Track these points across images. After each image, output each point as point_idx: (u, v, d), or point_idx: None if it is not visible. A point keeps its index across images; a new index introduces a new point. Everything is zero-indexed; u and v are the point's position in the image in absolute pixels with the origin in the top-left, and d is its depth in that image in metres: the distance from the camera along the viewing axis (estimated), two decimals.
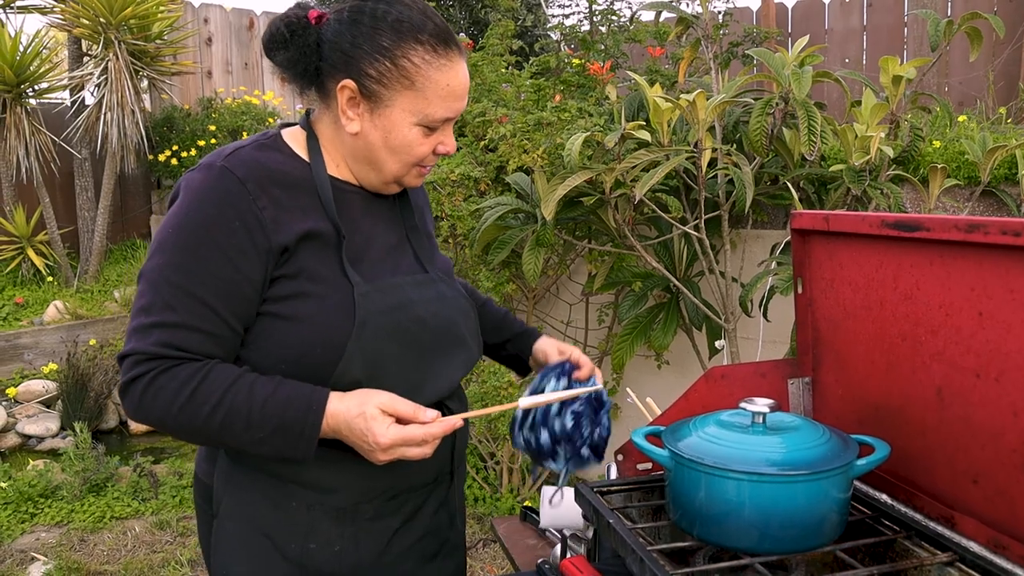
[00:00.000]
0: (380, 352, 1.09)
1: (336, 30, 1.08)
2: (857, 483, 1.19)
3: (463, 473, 1.33)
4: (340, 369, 1.06)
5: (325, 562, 1.13)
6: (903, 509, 1.12)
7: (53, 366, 4.43)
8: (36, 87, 5.16)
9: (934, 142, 2.53)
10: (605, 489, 1.22)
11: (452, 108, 1.10)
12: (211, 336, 1.04)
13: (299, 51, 1.08)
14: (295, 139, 1.15)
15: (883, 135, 2.14)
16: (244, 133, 5.82)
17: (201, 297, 1.03)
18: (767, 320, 2.30)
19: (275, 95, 6.43)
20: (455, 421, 1.06)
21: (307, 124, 1.15)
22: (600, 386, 1.26)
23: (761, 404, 1.06)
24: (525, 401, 1.14)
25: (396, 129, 1.08)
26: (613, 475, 1.34)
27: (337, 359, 1.06)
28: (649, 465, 1.30)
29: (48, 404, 4.41)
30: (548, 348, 1.35)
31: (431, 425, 1.04)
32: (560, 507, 1.47)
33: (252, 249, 1.04)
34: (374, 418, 1.02)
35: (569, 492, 1.35)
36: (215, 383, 1.03)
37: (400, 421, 1.03)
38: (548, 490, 1.51)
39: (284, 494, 1.12)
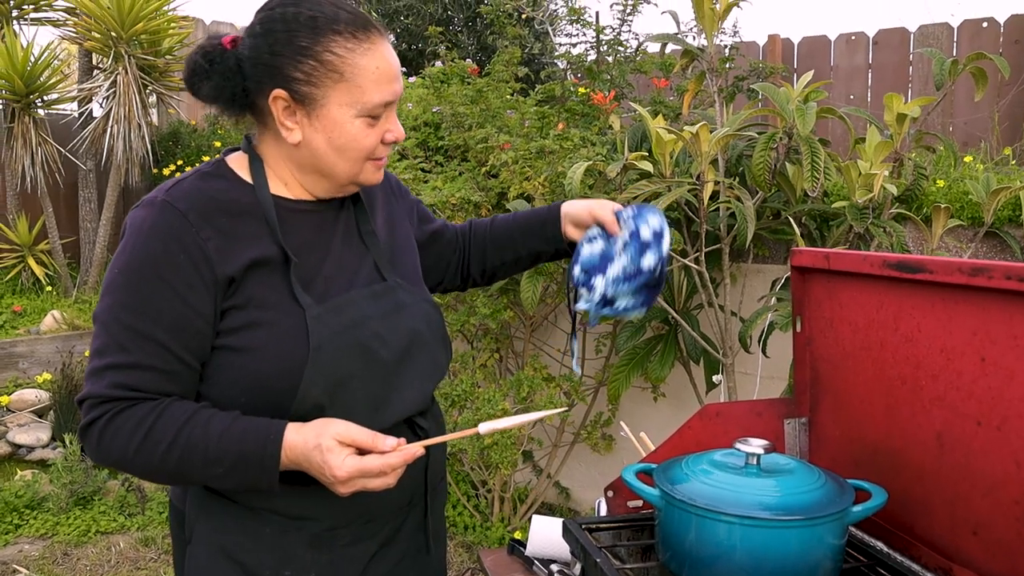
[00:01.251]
0: (340, 373, 1.06)
1: (252, 45, 1.05)
2: (853, 529, 1.16)
3: (441, 495, 1.30)
4: (300, 395, 1.04)
5: None
6: (900, 558, 1.09)
7: (47, 376, 4.41)
8: (45, 98, 5.19)
9: (938, 181, 2.52)
10: (594, 526, 1.19)
11: (387, 91, 1.06)
12: (165, 374, 1.03)
13: (221, 77, 1.06)
14: (239, 164, 1.12)
15: (887, 173, 2.13)
16: None
17: (152, 335, 1.01)
18: (766, 356, 2.27)
19: None
20: (415, 450, 1.02)
21: (248, 147, 1.13)
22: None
23: (756, 445, 1.03)
24: (485, 427, 1.09)
25: (338, 127, 1.05)
26: (603, 511, 1.31)
27: (295, 385, 1.03)
28: (640, 502, 1.27)
29: (40, 414, 4.37)
30: (577, 213, 1.31)
31: (389, 456, 1.00)
32: (546, 537, 1.44)
33: (199, 282, 1.03)
34: (330, 450, 0.98)
35: (557, 523, 1.33)
36: (170, 420, 1.01)
37: (360, 451, 1.01)
38: (538, 520, 1.48)
39: (257, 521, 1.10)
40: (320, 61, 1.03)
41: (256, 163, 1.11)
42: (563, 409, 1.24)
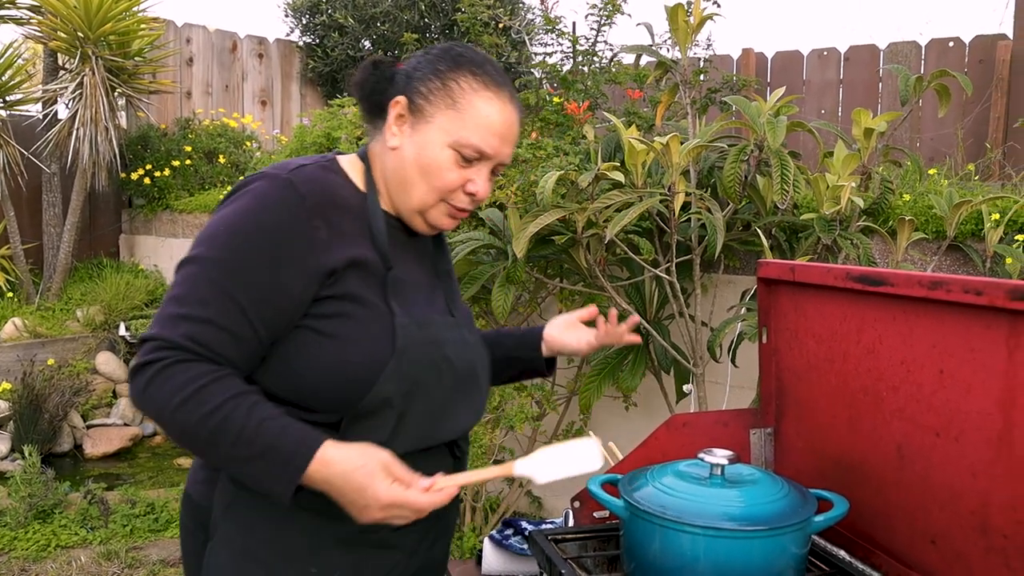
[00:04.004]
0: (413, 379, 1.10)
1: (410, 63, 1.15)
2: (815, 538, 1.16)
3: (458, 504, 1.31)
4: (376, 388, 1.06)
5: None
6: (861, 567, 1.10)
7: (7, 385, 4.30)
8: (8, 98, 5.09)
9: (904, 195, 2.56)
10: (560, 537, 1.18)
11: (488, 142, 1.11)
12: (235, 339, 1.03)
13: (373, 77, 1.15)
14: (352, 167, 1.18)
15: (854, 185, 2.16)
16: (220, 155, 5.78)
17: (236, 298, 1.02)
18: (735, 366, 2.29)
19: (254, 119, 6.41)
20: (451, 491, 1.05)
21: (365, 155, 1.19)
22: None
23: (720, 456, 1.03)
24: (520, 467, 1.09)
25: (429, 146, 1.10)
26: (570, 522, 1.30)
27: (371, 380, 1.06)
28: (606, 513, 1.27)
29: (0, 425, 4.27)
30: (556, 331, 1.37)
31: (433, 496, 1.03)
32: (504, 555, 1.43)
33: (297, 264, 1.05)
34: (375, 474, 1.00)
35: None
36: (222, 388, 1.01)
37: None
38: (488, 544, 1.47)
39: (288, 519, 1.10)
40: (444, 84, 1.11)
41: (369, 172, 1.17)
42: (603, 458, 1.19)
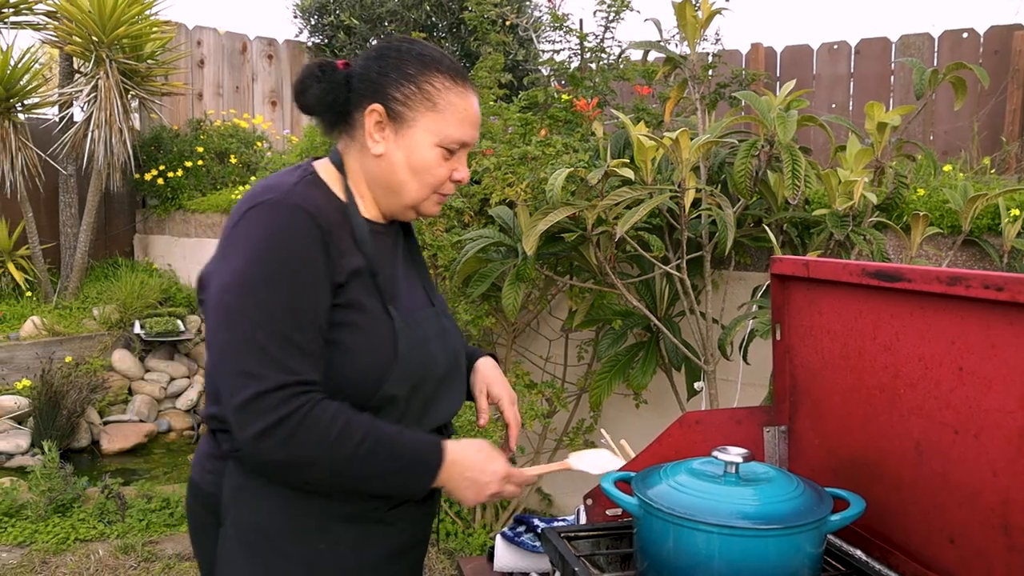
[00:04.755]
0: (415, 377, 1.19)
1: (364, 65, 1.19)
2: (831, 537, 1.15)
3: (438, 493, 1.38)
4: (383, 391, 1.14)
5: (333, 562, 1.18)
6: (878, 567, 1.08)
7: (27, 382, 4.35)
8: (25, 102, 5.13)
9: (918, 190, 2.54)
10: (572, 534, 1.18)
11: (467, 132, 1.19)
12: (317, 360, 1.10)
13: (330, 85, 1.17)
14: (329, 177, 1.20)
15: (867, 180, 2.14)
16: (232, 156, 5.81)
17: (311, 322, 1.08)
18: (747, 363, 2.27)
19: (264, 119, 6.43)
20: (538, 472, 1.26)
21: (340, 164, 1.22)
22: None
23: (734, 453, 1.03)
24: (574, 461, 1.28)
25: (418, 148, 1.17)
26: (582, 519, 1.30)
27: (376, 382, 1.14)
28: (619, 510, 1.26)
29: (20, 421, 4.31)
30: (479, 384, 1.39)
31: (526, 472, 1.22)
32: (516, 552, 1.43)
33: (326, 280, 1.10)
34: (493, 454, 1.19)
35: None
36: (357, 416, 1.10)
37: None
38: (500, 540, 1.48)
39: (297, 501, 1.15)
40: (420, 88, 1.16)
41: (345, 179, 1.21)
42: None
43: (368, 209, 1.22)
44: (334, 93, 1.17)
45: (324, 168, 1.21)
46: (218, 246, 1.14)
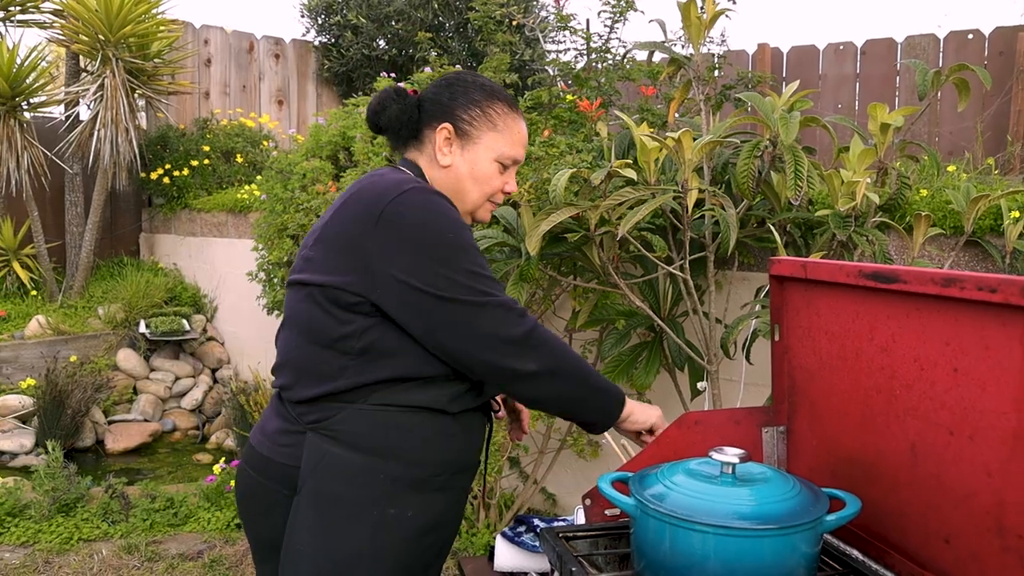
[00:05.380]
0: None
1: (434, 91, 1.42)
2: (829, 537, 1.16)
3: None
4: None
5: (396, 527, 1.28)
6: (874, 567, 1.09)
7: (31, 381, 4.37)
8: (31, 100, 5.16)
9: (921, 191, 2.53)
10: (571, 534, 1.18)
11: (519, 151, 1.44)
12: None
13: (405, 106, 1.40)
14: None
15: (869, 181, 2.14)
16: (238, 155, 5.82)
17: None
18: (749, 363, 2.27)
19: (271, 118, 6.45)
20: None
21: (421, 173, 1.41)
22: None
23: (731, 454, 1.03)
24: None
25: (480, 162, 1.40)
26: (581, 519, 1.30)
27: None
28: (617, 511, 1.27)
29: (24, 420, 4.34)
30: None
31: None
32: (516, 552, 1.44)
33: None
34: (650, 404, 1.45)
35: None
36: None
37: None
38: (500, 541, 1.50)
39: (373, 469, 1.28)
40: (484, 112, 1.41)
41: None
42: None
43: None
44: (408, 112, 1.39)
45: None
46: (364, 240, 1.25)
